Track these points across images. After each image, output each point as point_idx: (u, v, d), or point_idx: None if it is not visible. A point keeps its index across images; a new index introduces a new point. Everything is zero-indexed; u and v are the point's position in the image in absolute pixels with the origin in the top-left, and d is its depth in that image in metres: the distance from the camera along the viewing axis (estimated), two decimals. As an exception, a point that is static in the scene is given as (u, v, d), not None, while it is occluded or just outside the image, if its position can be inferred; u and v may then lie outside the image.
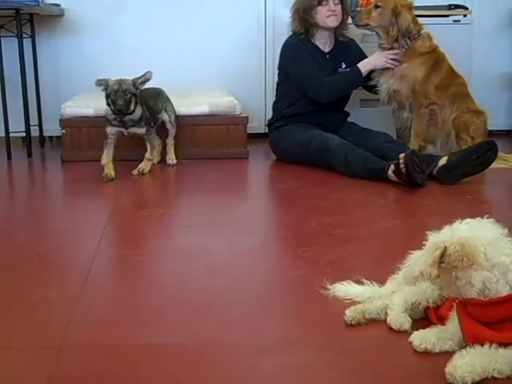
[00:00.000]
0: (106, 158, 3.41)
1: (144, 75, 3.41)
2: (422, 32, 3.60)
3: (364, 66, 3.64)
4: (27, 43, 4.15)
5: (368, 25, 3.62)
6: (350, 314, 1.68)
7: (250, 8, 4.49)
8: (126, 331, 1.67)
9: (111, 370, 1.48)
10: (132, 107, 3.39)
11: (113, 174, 3.34)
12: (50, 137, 4.59)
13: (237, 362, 1.52)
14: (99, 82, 3.37)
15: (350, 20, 3.76)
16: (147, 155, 3.53)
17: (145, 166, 3.49)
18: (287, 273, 2.08)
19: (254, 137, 4.34)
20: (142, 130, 3.49)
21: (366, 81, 3.73)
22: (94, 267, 2.13)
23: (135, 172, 3.44)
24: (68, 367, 1.49)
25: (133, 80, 3.39)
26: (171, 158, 3.75)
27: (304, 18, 3.68)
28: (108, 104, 3.38)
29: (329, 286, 1.87)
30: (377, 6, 3.58)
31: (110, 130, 3.45)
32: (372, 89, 3.76)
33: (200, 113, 3.88)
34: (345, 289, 1.85)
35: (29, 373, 1.47)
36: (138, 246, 2.41)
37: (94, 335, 1.65)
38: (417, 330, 1.59)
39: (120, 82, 3.38)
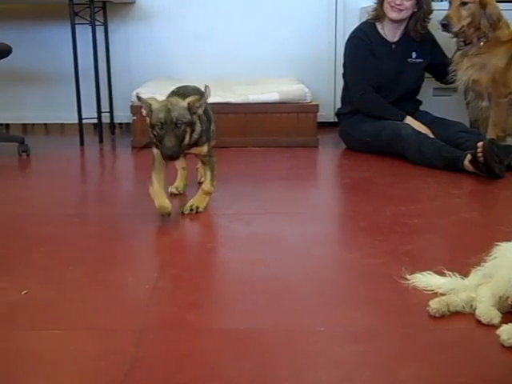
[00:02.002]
0: (157, 183, 2.46)
1: (203, 93, 2.48)
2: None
3: (411, 121, 3.53)
4: (100, 31, 4.21)
5: (462, 27, 3.45)
6: (434, 305, 1.63)
7: (321, -7, 4.44)
8: (204, 316, 1.67)
9: (192, 353, 1.48)
10: (187, 140, 2.38)
11: (168, 205, 2.43)
12: (120, 123, 4.65)
13: (317, 349, 1.50)
14: (141, 101, 2.40)
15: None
16: (205, 186, 2.57)
17: (200, 201, 2.56)
18: (364, 262, 2.03)
19: (323, 125, 4.30)
20: (203, 149, 2.52)
21: (442, 78, 3.70)
22: (169, 251, 2.14)
23: (186, 210, 2.53)
24: (149, 348, 1.50)
25: (188, 103, 2.36)
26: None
27: (377, 6, 3.64)
28: (153, 136, 2.38)
29: (408, 276, 1.83)
30: (463, 3, 3.45)
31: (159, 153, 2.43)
32: (444, 79, 3.68)
33: (270, 100, 3.86)
34: (426, 279, 1.79)
35: (112, 353, 1.48)
36: (210, 232, 2.41)
37: (174, 318, 1.65)
38: (505, 323, 1.54)
39: (169, 106, 2.34)
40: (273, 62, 4.48)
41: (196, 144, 2.46)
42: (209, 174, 2.56)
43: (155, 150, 2.44)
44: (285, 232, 2.34)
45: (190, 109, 2.35)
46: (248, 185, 3.09)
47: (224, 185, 2.81)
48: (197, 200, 2.56)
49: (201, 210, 2.54)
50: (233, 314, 1.68)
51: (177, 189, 2.82)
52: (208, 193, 2.57)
